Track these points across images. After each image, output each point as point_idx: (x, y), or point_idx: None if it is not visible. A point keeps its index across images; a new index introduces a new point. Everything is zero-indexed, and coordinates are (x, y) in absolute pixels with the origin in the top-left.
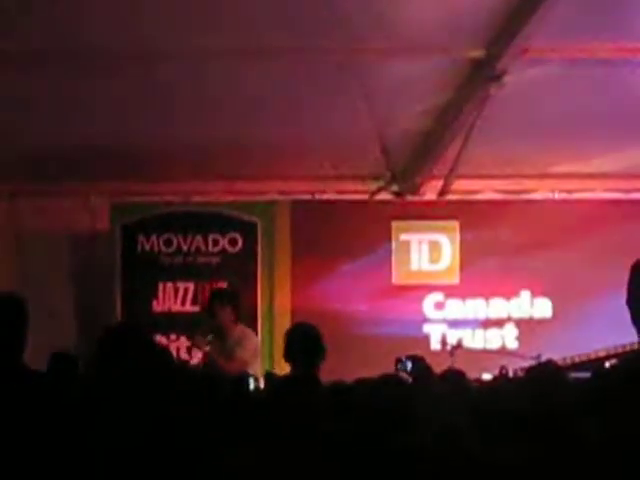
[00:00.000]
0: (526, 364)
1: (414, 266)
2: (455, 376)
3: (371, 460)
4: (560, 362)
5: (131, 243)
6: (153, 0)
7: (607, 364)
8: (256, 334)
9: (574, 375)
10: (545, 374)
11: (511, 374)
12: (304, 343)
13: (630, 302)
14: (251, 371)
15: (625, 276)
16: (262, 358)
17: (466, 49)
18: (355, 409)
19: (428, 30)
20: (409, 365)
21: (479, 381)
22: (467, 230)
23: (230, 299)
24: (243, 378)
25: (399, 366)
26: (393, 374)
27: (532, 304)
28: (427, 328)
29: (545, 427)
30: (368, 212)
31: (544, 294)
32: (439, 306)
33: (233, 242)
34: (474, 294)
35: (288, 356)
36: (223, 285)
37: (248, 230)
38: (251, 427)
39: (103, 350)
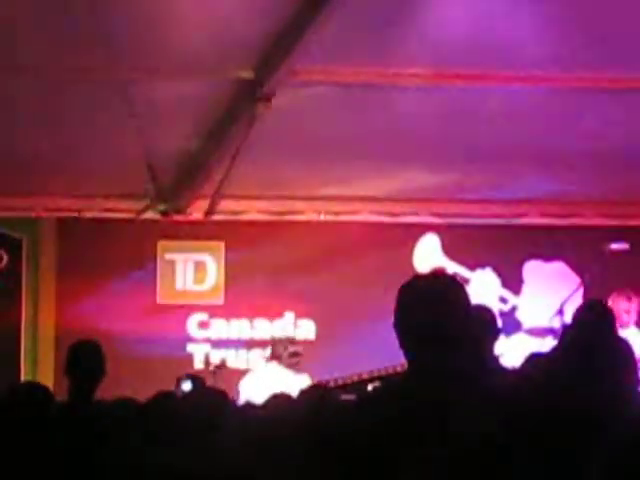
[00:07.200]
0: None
1: (179, 285)
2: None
3: None
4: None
5: None
6: None
7: (369, 386)
8: (19, 354)
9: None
10: (316, 395)
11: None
12: (86, 358)
13: (397, 325)
14: None
15: (389, 299)
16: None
17: (235, 70)
18: None
19: (197, 50)
20: (188, 385)
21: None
22: (232, 250)
23: None
24: None
25: (178, 386)
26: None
27: (296, 325)
28: (191, 348)
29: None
30: (134, 231)
31: (308, 316)
32: (203, 326)
33: None
34: (238, 314)
35: (68, 371)
36: None
37: (13, 247)
38: None
39: None
